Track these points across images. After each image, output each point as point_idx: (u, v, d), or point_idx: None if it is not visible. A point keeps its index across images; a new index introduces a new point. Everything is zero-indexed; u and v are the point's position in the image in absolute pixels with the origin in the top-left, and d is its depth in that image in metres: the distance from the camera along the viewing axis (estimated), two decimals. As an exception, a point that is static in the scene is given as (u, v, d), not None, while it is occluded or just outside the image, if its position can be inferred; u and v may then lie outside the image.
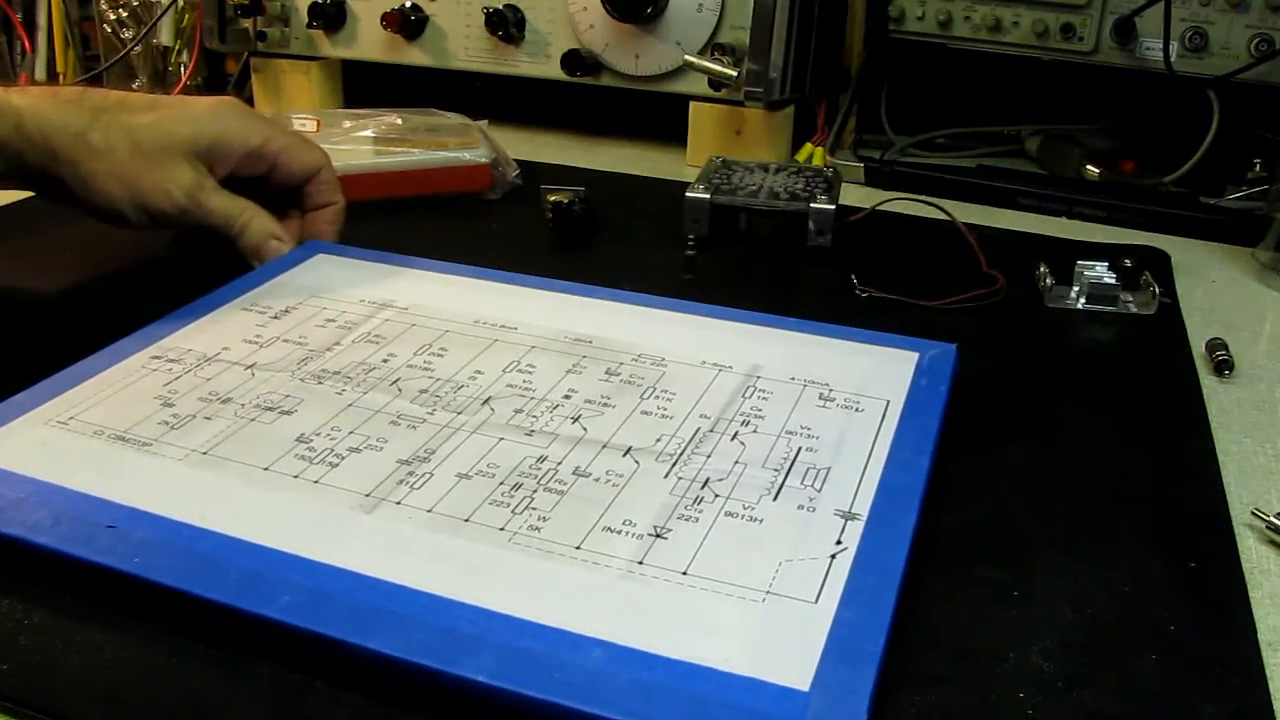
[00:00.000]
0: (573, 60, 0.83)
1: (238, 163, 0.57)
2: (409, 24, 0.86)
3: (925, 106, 0.86)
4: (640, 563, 0.35)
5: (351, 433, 0.42)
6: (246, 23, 0.90)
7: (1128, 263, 0.60)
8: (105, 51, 0.91)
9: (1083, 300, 0.58)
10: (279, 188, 0.60)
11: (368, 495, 0.38)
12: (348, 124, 0.74)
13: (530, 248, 0.65)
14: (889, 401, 0.45)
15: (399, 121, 0.75)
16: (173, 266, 0.61)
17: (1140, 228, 0.72)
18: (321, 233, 0.61)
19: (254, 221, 0.57)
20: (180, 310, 0.51)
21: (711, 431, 0.42)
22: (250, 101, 0.95)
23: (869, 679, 0.30)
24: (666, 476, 0.39)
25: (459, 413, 0.43)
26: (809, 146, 0.82)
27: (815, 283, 0.60)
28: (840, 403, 0.45)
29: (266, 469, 0.39)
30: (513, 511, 0.37)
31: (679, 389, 0.45)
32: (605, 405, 0.44)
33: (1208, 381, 0.51)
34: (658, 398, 0.45)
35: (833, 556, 0.35)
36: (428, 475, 0.39)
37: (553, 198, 0.67)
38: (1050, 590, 0.36)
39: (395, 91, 0.87)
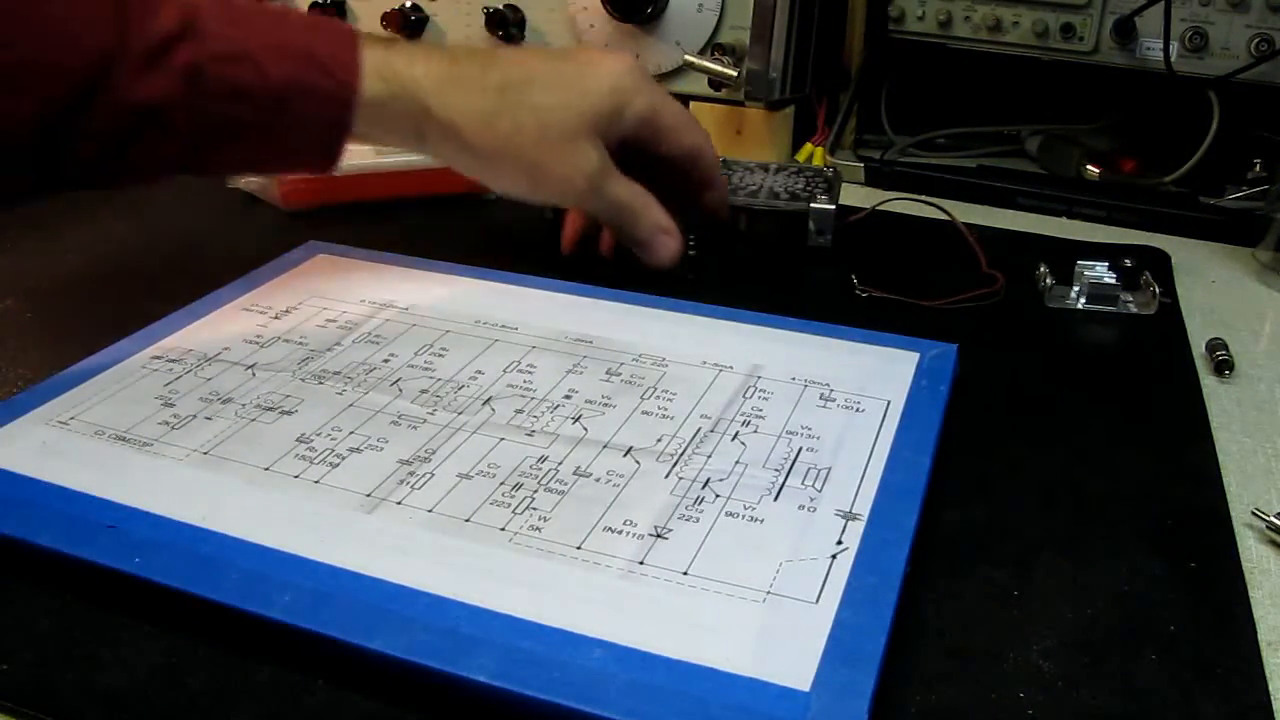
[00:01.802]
0: (573, 60, 0.83)
1: (628, 134, 0.52)
2: (409, 24, 0.86)
3: (925, 106, 0.86)
4: (641, 563, 0.35)
5: (352, 433, 0.42)
6: (246, 23, 0.90)
7: (1128, 263, 0.60)
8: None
9: (1083, 300, 0.58)
10: (661, 165, 0.55)
11: (368, 495, 0.38)
12: (348, 124, 0.74)
13: (530, 248, 0.65)
14: (889, 402, 0.45)
15: (399, 121, 0.75)
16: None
17: (1140, 228, 0.72)
18: (716, 216, 0.58)
19: (647, 211, 0.53)
20: (181, 310, 0.51)
21: (712, 432, 0.42)
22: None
23: (869, 679, 0.30)
24: (667, 477, 0.39)
25: (460, 413, 0.43)
26: (809, 146, 0.82)
27: (815, 283, 0.60)
28: (841, 403, 0.45)
29: (267, 469, 0.39)
30: (513, 512, 0.37)
31: (679, 389, 0.45)
32: (606, 405, 0.44)
33: (1208, 381, 0.51)
34: (658, 398, 0.45)
35: (833, 557, 0.35)
36: (428, 475, 0.39)
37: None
38: (1050, 590, 0.36)
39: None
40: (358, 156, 0.70)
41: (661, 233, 0.53)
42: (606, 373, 0.47)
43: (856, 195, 0.74)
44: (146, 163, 0.44)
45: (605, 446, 0.41)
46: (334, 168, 0.48)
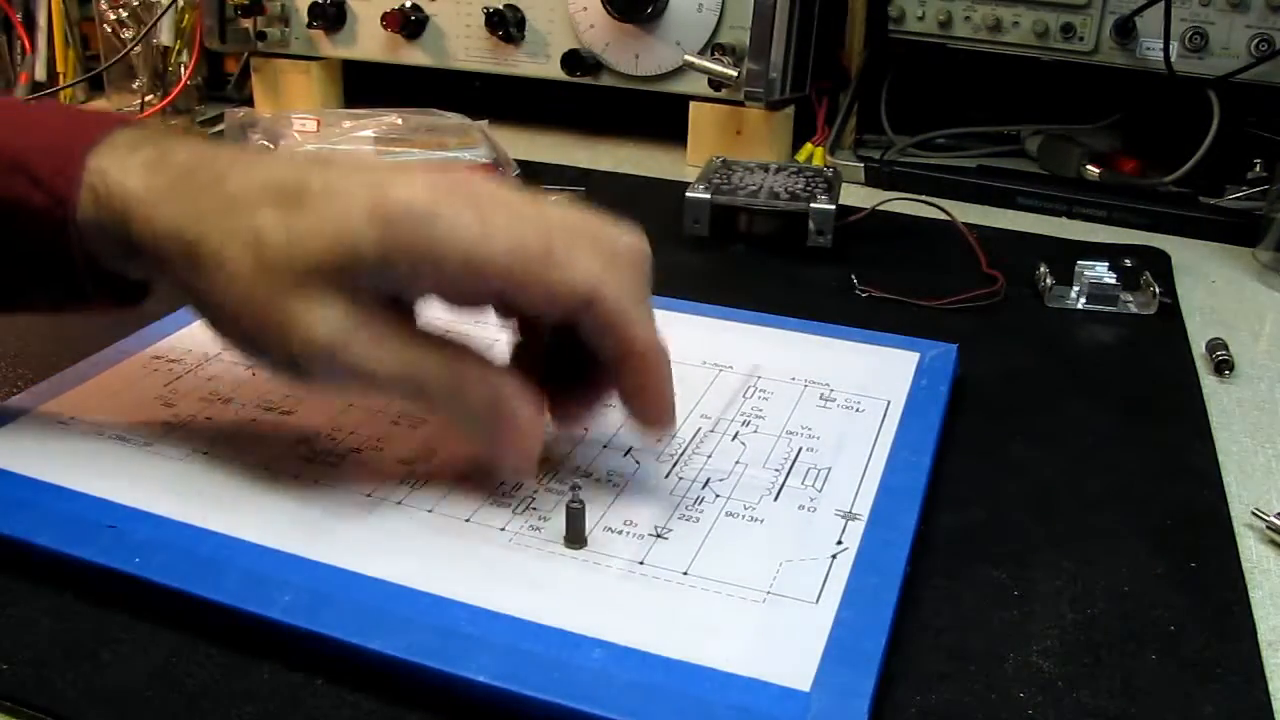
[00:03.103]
0: (573, 60, 0.83)
1: (433, 288, 0.35)
2: (409, 24, 0.86)
3: (925, 106, 0.86)
4: (641, 563, 0.35)
5: (352, 433, 0.42)
6: (246, 23, 0.90)
7: (1128, 263, 0.60)
8: (105, 51, 0.91)
9: (1083, 300, 0.58)
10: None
11: (369, 495, 0.38)
12: (348, 124, 0.74)
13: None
14: (890, 402, 0.45)
15: (399, 121, 0.75)
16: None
17: (1140, 228, 0.72)
18: (643, 433, 0.38)
19: (462, 381, 0.36)
20: (181, 310, 0.51)
21: (712, 431, 0.42)
22: (250, 102, 0.96)
23: (870, 679, 0.30)
24: (667, 477, 0.39)
25: (459, 413, 0.43)
26: (809, 146, 0.82)
27: (815, 283, 0.60)
28: (841, 403, 0.45)
29: (267, 469, 0.39)
30: (513, 512, 0.37)
31: (679, 389, 0.45)
32: (606, 405, 0.44)
33: (1208, 381, 0.51)
34: (658, 398, 0.45)
35: (833, 557, 0.35)
36: (428, 475, 0.39)
37: (552, 198, 0.67)
38: (1050, 590, 0.36)
39: (395, 91, 0.87)
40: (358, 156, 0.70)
41: (505, 399, 0.36)
42: (606, 373, 0.47)
43: (856, 195, 0.74)
44: None
45: (605, 446, 0.41)
46: (121, 307, 0.39)
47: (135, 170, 0.36)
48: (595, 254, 0.35)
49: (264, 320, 0.35)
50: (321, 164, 0.36)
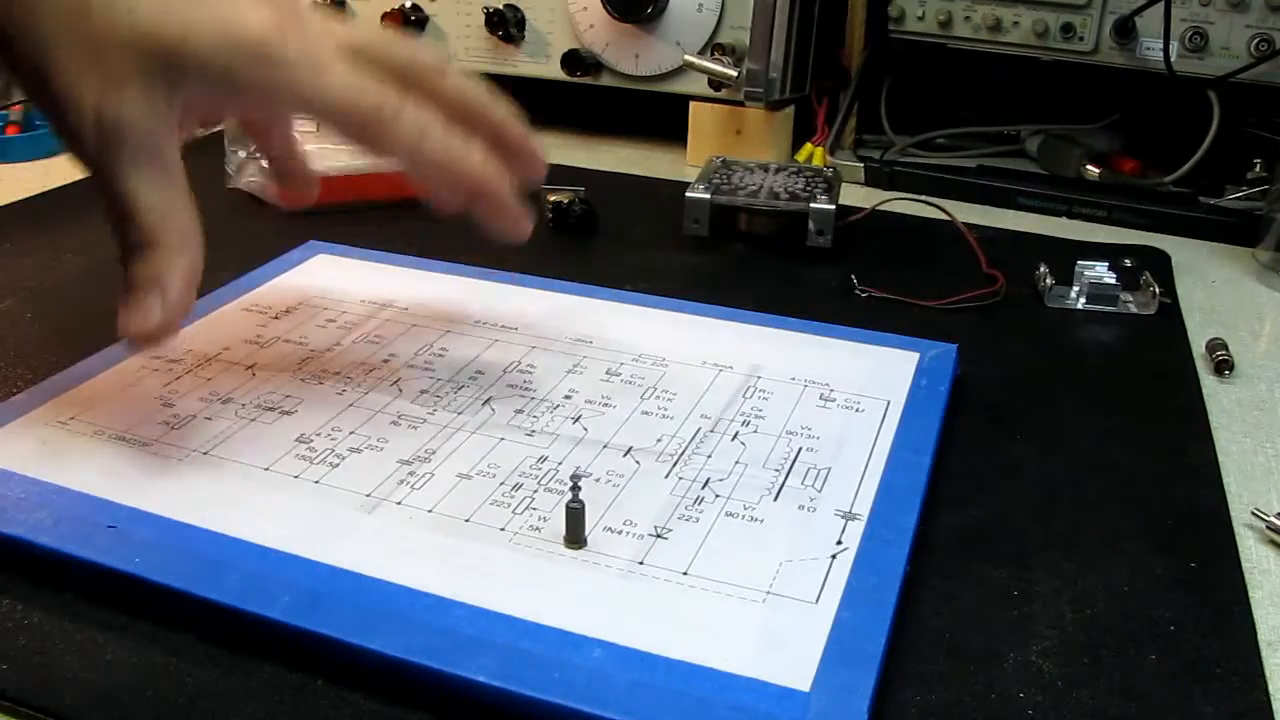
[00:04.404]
0: (573, 60, 0.83)
1: (243, 111, 0.39)
2: (409, 24, 0.86)
3: (925, 106, 0.86)
4: (641, 563, 0.35)
5: (352, 433, 0.42)
6: (246, 23, 0.90)
7: (1128, 263, 0.60)
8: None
9: (1083, 300, 0.58)
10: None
11: (368, 495, 0.38)
12: (348, 124, 0.74)
13: (530, 248, 0.65)
14: (889, 402, 0.45)
15: (399, 121, 0.75)
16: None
17: (1140, 228, 0.72)
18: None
19: (165, 213, 0.36)
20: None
21: (712, 432, 0.42)
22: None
23: (869, 679, 0.30)
24: (667, 477, 0.39)
25: (459, 413, 0.43)
26: (809, 146, 0.82)
27: (815, 283, 0.60)
28: (841, 403, 0.45)
29: (267, 469, 0.39)
30: (513, 512, 0.37)
31: (679, 389, 0.45)
32: (606, 405, 0.44)
33: (1208, 381, 0.51)
34: (658, 398, 0.45)
35: (833, 557, 0.35)
36: (428, 475, 0.39)
37: (553, 198, 0.67)
38: (1050, 590, 0.36)
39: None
40: (358, 156, 0.70)
41: (157, 288, 0.36)
42: (606, 373, 0.47)
43: (856, 195, 0.74)
44: None
45: (605, 446, 0.41)
46: None
47: None
48: (422, 114, 0.38)
49: (76, 72, 0.34)
50: None
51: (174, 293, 0.36)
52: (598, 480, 0.39)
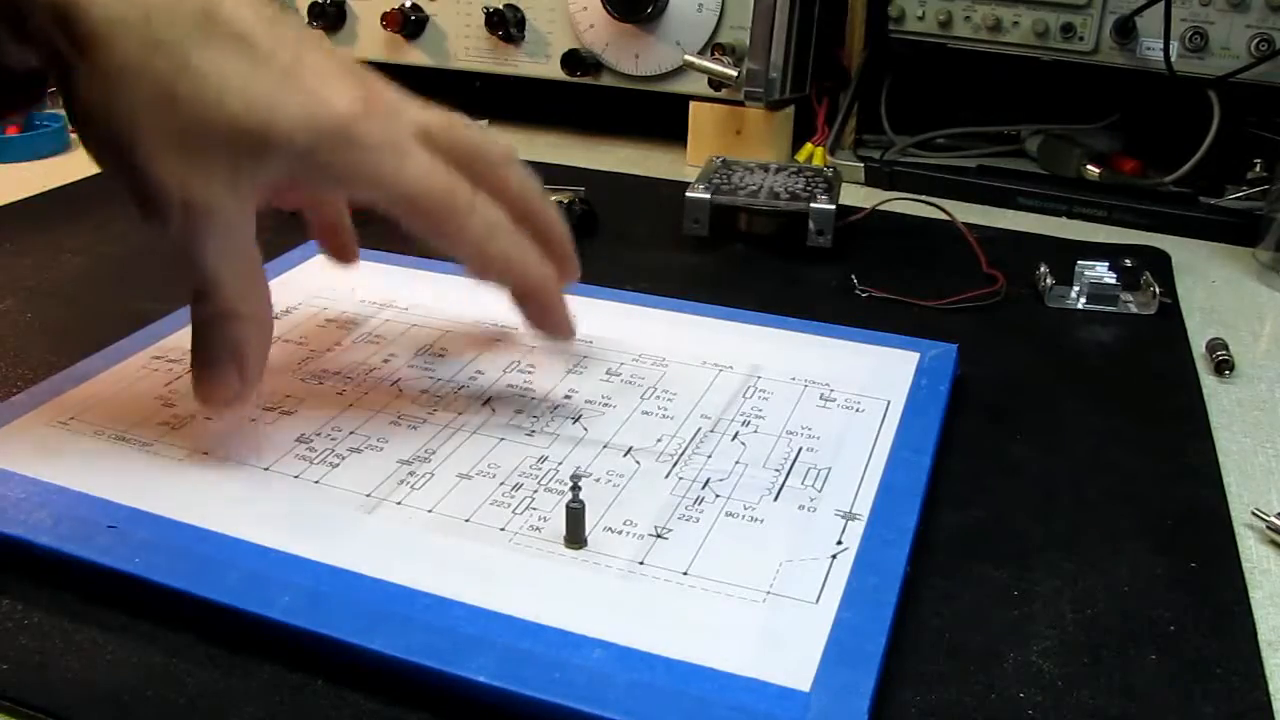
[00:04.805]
0: (573, 60, 0.83)
1: (284, 179, 0.36)
2: (409, 24, 0.86)
3: (925, 106, 0.86)
4: (641, 563, 0.35)
5: (352, 433, 0.42)
6: (246, 23, 0.90)
7: (1128, 263, 0.60)
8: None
9: (1083, 300, 0.58)
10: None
11: (368, 495, 0.38)
12: (348, 124, 0.74)
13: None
14: (890, 402, 0.45)
15: (399, 121, 0.75)
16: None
17: (1140, 228, 0.72)
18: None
19: (232, 318, 0.36)
20: (181, 310, 0.51)
21: (712, 432, 0.42)
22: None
23: (870, 679, 0.30)
24: (667, 477, 0.39)
25: (460, 413, 0.43)
26: (809, 146, 0.82)
27: (815, 283, 0.60)
28: (841, 403, 0.45)
29: (267, 469, 0.39)
30: (513, 512, 0.37)
31: (679, 389, 0.45)
32: (606, 405, 0.44)
33: (1208, 381, 0.51)
34: (658, 398, 0.45)
35: (833, 557, 0.35)
36: (428, 475, 0.39)
37: (553, 198, 0.67)
38: (1050, 590, 0.36)
39: (395, 91, 0.87)
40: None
41: (234, 361, 0.37)
42: (606, 373, 0.47)
43: (856, 195, 0.74)
44: None
45: (605, 446, 0.41)
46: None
47: None
48: (491, 211, 0.39)
49: (162, 158, 0.34)
50: (287, 29, 0.36)
51: (251, 361, 0.38)
52: (598, 480, 0.39)
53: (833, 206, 0.62)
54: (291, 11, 0.78)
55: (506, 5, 0.84)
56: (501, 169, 0.40)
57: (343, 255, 0.49)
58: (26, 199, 0.69)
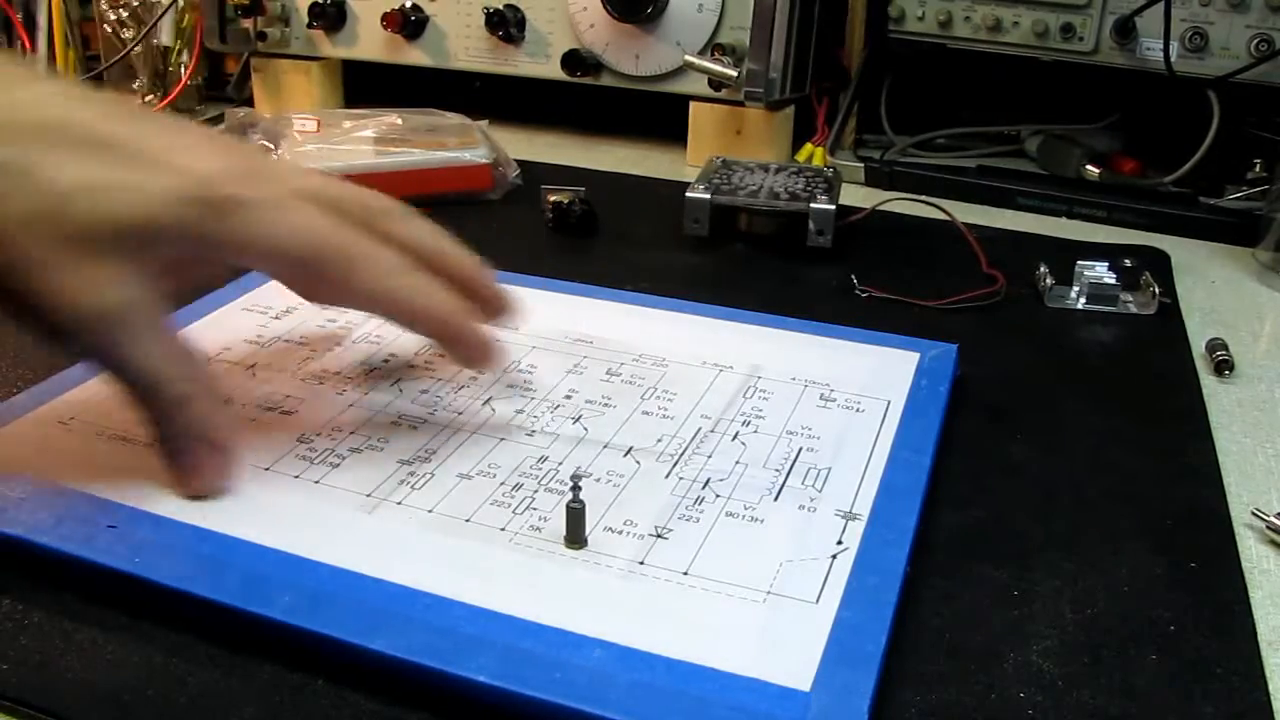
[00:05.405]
0: (573, 60, 0.83)
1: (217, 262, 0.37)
2: (409, 24, 0.86)
3: (925, 106, 0.86)
4: (641, 563, 0.35)
5: (352, 433, 0.42)
6: (247, 23, 0.90)
7: (1128, 263, 0.60)
8: (105, 52, 0.91)
9: (1083, 300, 0.58)
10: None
11: (369, 495, 0.38)
12: (348, 124, 0.74)
13: (530, 248, 0.65)
14: (890, 402, 0.45)
15: (399, 121, 0.75)
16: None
17: (1140, 228, 0.72)
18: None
19: (191, 399, 0.36)
20: (181, 311, 0.51)
21: (712, 432, 0.42)
22: (250, 102, 0.96)
23: (870, 679, 0.30)
24: (667, 477, 0.39)
25: (460, 413, 0.43)
26: (809, 146, 0.82)
27: (815, 283, 0.60)
28: (841, 403, 0.45)
29: (267, 469, 0.39)
30: (513, 512, 0.37)
31: (680, 389, 0.45)
32: (606, 405, 0.44)
33: (1208, 381, 0.51)
34: (658, 398, 0.45)
35: (833, 557, 0.35)
36: (429, 475, 0.39)
37: (553, 198, 0.67)
38: (1050, 590, 0.36)
39: (395, 91, 0.87)
40: (358, 156, 0.70)
41: (205, 440, 0.37)
42: (606, 373, 0.47)
43: (856, 195, 0.74)
44: None
45: (605, 446, 0.41)
46: None
47: None
48: (386, 255, 0.38)
49: (28, 275, 0.33)
50: (120, 109, 0.36)
51: (223, 433, 0.37)
52: (598, 480, 0.39)
53: (833, 206, 0.62)
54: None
55: (506, 5, 0.84)
56: (394, 221, 0.40)
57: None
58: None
